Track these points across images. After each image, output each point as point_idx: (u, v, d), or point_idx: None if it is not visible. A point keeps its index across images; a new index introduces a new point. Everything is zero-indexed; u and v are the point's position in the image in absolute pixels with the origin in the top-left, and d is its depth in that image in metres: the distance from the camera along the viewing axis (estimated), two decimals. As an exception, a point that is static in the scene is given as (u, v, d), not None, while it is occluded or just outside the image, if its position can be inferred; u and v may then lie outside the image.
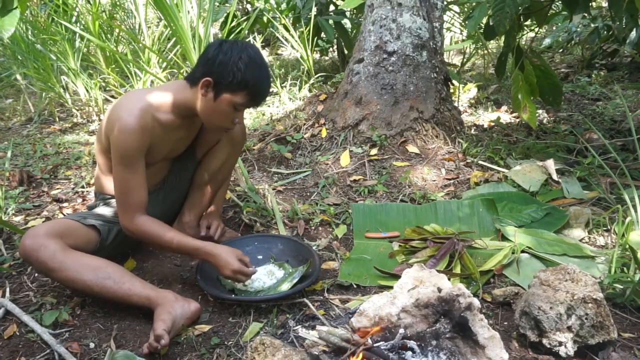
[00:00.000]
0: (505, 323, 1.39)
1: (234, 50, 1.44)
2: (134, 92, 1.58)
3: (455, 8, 4.64)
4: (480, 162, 2.42)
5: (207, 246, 1.51)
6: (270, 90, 1.56)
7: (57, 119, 3.61)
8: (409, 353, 1.10)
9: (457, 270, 1.58)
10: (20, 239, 1.43)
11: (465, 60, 4.38)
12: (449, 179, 2.31)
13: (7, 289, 1.54)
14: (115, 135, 1.44)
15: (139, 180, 1.50)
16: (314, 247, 1.80)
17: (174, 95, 1.53)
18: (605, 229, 1.82)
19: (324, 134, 2.66)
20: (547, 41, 4.79)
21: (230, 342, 1.33)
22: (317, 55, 4.94)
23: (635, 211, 1.69)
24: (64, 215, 2.05)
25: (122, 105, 1.48)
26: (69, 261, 1.37)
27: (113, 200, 1.70)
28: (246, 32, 3.68)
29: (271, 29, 4.89)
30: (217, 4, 4.17)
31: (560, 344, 1.20)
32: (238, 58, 1.43)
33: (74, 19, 3.75)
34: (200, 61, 1.49)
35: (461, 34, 4.79)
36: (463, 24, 4.40)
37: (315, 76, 3.88)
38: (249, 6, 5.32)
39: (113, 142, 1.46)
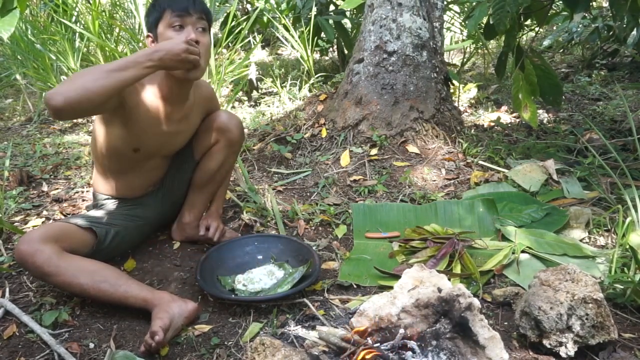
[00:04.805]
0: (506, 323, 1.39)
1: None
2: None
3: (455, 8, 4.64)
4: (481, 162, 2.42)
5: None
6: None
7: (57, 118, 3.60)
8: (409, 353, 1.09)
9: (457, 270, 1.58)
10: (19, 239, 1.43)
11: (465, 60, 4.38)
12: (449, 179, 2.31)
13: (7, 289, 1.54)
14: None
15: None
16: (314, 247, 1.80)
17: (151, 81, 1.56)
18: (605, 229, 1.82)
19: (324, 134, 2.66)
20: (546, 42, 4.79)
21: (230, 342, 1.33)
22: (317, 55, 4.94)
23: (636, 211, 1.69)
24: (64, 215, 2.05)
25: None
26: (64, 265, 1.36)
27: (110, 201, 1.70)
28: (246, 32, 3.68)
29: (271, 29, 4.88)
30: (217, 4, 4.17)
31: (561, 344, 1.20)
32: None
33: (73, 18, 3.75)
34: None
35: (461, 34, 4.79)
36: (463, 24, 4.40)
37: (315, 76, 3.88)
38: (249, 6, 5.32)
39: None
